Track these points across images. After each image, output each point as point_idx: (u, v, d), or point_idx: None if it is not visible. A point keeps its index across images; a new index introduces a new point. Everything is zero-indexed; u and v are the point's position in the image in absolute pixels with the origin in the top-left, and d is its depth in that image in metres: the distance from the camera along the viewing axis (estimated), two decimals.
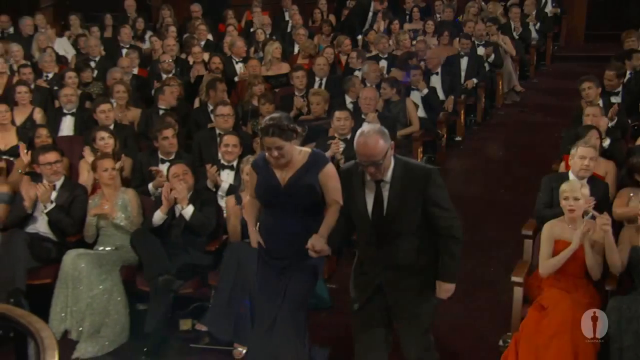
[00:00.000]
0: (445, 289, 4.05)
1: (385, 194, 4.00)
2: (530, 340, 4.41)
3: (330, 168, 4.35)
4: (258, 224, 4.46)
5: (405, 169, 4.03)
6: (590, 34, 13.19)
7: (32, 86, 8.03)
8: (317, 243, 4.03)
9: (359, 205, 4.06)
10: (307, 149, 4.41)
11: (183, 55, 9.88)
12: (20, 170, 6.25)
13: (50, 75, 8.85)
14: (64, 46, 10.45)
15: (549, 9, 12.43)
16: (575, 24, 13.19)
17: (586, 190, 4.65)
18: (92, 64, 9.29)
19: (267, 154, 4.24)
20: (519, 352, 4.44)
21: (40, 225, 5.58)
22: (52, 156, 5.66)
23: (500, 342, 4.82)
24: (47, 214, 5.53)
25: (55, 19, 12.00)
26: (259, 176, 4.37)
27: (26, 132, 6.94)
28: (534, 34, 11.69)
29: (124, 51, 9.82)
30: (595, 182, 5.05)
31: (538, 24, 11.87)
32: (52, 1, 13.52)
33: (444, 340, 5.01)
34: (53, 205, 5.53)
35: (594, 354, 4.31)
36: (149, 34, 11.39)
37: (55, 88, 8.32)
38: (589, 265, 4.57)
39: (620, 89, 7.26)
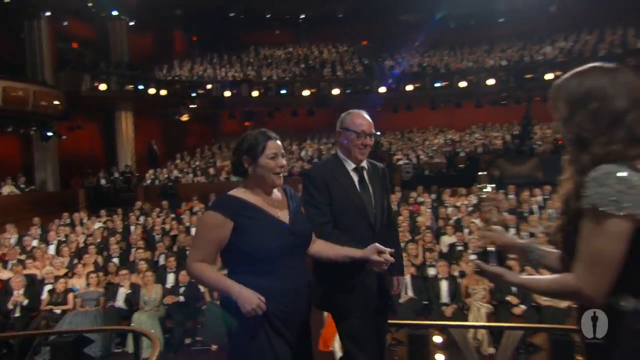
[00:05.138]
0: (403, 282, 2.74)
1: (367, 180, 2.50)
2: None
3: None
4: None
5: (368, 159, 2.56)
6: None
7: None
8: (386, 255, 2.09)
9: (352, 195, 2.42)
10: None
11: None
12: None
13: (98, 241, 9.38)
14: (98, 225, 10.76)
15: None
16: None
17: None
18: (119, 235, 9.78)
19: (271, 165, 2.06)
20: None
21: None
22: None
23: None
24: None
25: (89, 213, 12.71)
26: (244, 224, 2.00)
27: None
28: None
29: (132, 227, 10.54)
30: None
31: None
32: (85, 203, 14.38)
33: None
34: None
35: None
36: None
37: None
38: None
39: None
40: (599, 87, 1.43)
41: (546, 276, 1.51)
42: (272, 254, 2.00)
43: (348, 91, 18.48)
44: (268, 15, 21.31)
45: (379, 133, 2.56)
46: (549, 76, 15.51)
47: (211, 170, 16.46)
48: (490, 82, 17.31)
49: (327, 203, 2.39)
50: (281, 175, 2.10)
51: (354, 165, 2.51)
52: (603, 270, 1.35)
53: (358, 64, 20.48)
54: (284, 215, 2.11)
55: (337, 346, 4.31)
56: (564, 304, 5.36)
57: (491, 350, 5.20)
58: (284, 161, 2.10)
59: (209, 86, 18.62)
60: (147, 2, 18.33)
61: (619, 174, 1.33)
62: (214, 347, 6.02)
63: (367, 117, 2.52)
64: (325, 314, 3.70)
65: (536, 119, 15.50)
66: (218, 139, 20.71)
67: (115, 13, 17.82)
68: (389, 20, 21.15)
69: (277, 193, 2.17)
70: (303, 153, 17.59)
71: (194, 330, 6.24)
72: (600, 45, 17.32)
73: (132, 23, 18.65)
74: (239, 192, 2.11)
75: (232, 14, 20.71)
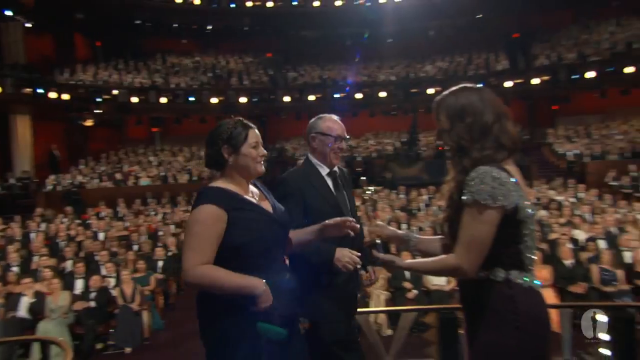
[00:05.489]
0: (377, 270, 2.60)
1: (340, 184, 2.43)
2: None
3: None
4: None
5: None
6: None
7: None
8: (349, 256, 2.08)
9: (329, 199, 2.34)
10: None
11: None
12: None
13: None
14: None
15: None
16: None
17: None
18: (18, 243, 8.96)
19: (254, 154, 1.86)
20: None
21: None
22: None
23: None
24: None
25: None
26: (237, 216, 1.76)
27: None
28: None
29: (33, 235, 9.59)
30: None
31: None
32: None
33: None
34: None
35: None
36: None
37: None
38: None
39: None
40: (470, 104, 1.66)
41: (431, 258, 1.72)
42: (265, 245, 1.79)
43: (255, 99, 18.44)
44: (175, 25, 20.47)
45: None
46: (430, 91, 16.80)
47: (118, 175, 15.56)
48: (382, 94, 18.35)
49: (299, 212, 2.25)
50: (262, 163, 1.90)
51: (327, 170, 2.41)
52: (478, 250, 1.58)
53: (264, 74, 20.49)
54: (266, 206, 1.91)
55: None
56: (449, 287, 5.89)
57: (389, 331, 5.53)
58: (264, 151, 1.91)
59: (115, 92, 17.46)
60: (46, 4, 16.72)
61: (493, 174, 1.57)
62: (128, 349, 5.71)
63: (339, 120, 2.41)
64: None
65: (421, 128, 16.67)
66: (124, 144, 19.54)
67: (9, 13, 15.99)
68: (290, 35, 21.49)
69: (251, 185, 1.95)
70: None
71: (106, 335, 5.88)
72: (469, 67, 19.12)
73: (28, 25, 16.86)
74: (221, 184, 1.86)
75: (137, 22, 19.60)
